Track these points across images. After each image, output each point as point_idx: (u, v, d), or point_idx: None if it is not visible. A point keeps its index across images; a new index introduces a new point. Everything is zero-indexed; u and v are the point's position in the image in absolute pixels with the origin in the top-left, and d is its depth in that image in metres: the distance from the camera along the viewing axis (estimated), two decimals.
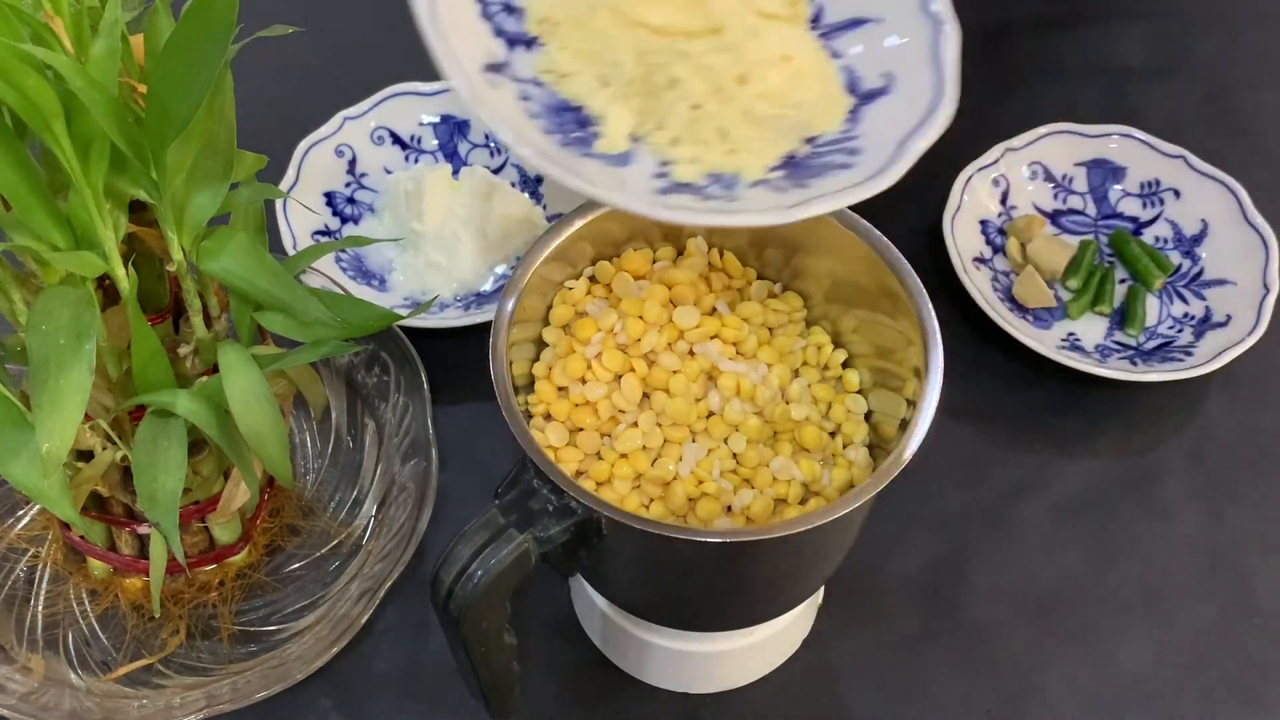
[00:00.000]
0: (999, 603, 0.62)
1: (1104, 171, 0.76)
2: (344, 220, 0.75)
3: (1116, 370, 0.67)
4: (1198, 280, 0.73)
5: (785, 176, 0.44)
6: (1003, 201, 0.75)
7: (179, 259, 0.51)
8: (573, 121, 0.44)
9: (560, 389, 0.51)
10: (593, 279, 0.54)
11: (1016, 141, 0.76)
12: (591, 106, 0.44)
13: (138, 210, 0.51)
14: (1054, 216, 0.76)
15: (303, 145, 0.75)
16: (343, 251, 0.72)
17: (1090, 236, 0.75)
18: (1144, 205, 0.76)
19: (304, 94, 0.81)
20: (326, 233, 0.74)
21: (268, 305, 0.53)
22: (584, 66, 0.44)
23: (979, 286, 0.70)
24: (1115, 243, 0.75)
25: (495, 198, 0.72)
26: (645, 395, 0.51)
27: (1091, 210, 0.76)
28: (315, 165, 0.75)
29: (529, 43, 0.45)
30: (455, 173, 0.76)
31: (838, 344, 0.54)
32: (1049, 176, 0.76)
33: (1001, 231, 0.75)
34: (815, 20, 0.47)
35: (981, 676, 0.60)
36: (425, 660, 0.59)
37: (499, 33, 0.44)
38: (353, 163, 0.76)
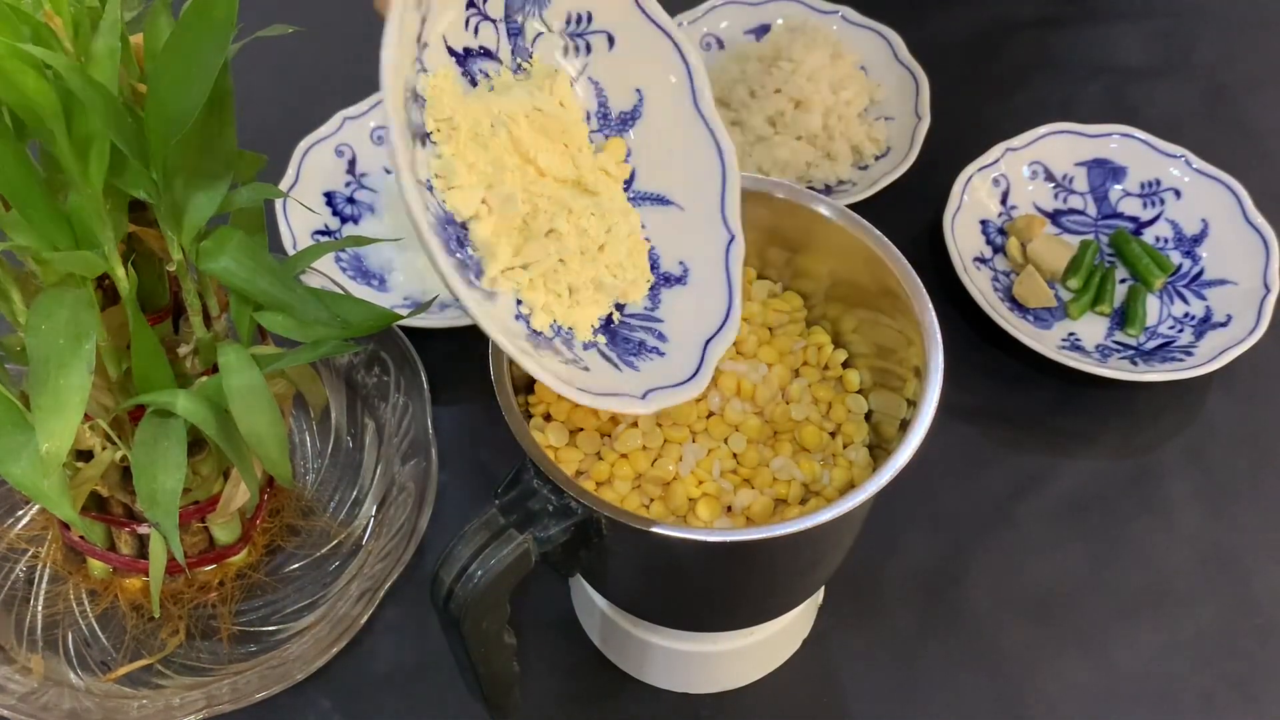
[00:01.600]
0: (999, 603, 0.62)
1: (1104, 171, 0.76)
2: (344, 220, 0.75)
3: (1117, 370, 0.67)
4: (1198, 280, 0.73)
5: (608, 344, 0.47)
6: (1003, 201, 0.75)
7: (179, 259, 0.51)
8: (455, 239, 0.44)
9: None
10: None
11: (1016, 141, 0.76)
12: (474, 231, 0.45)
13: (138, 210, 0.51)
14: (1054, 216, 0.76)
15: (303, 145, 0.75)
16: (343, 251, 0.72)
17: (1091, 236, 0.75)
18: (1144, 205, 0.76)
19: (304, 94, 0.81)
20: (326, 233, 0.74)
21: (268, 305, 0.53)
22: (475, 182, 0.45)
23: (979, 286, 0.70)
24: (1116, 243, 0.75)
25: None
26: None
27: (1092, 210, 0.76)
28: (315, 165, 0.75)
29: (424, 138, 0.45)
30: None
31: (838, 344, 0.54)
32: (1049, 176, 0.76)
33: (1002, 231, 0.75)
34: (628, 183, 0.49)
35: (981, 676, 0.60)
36: (425, 660, 0.59)
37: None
38: (353, 163, 0.76)
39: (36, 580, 0.61)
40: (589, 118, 0.49)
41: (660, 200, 0.49)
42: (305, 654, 0.57)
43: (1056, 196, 0.76)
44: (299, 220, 0.72)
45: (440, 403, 0.66)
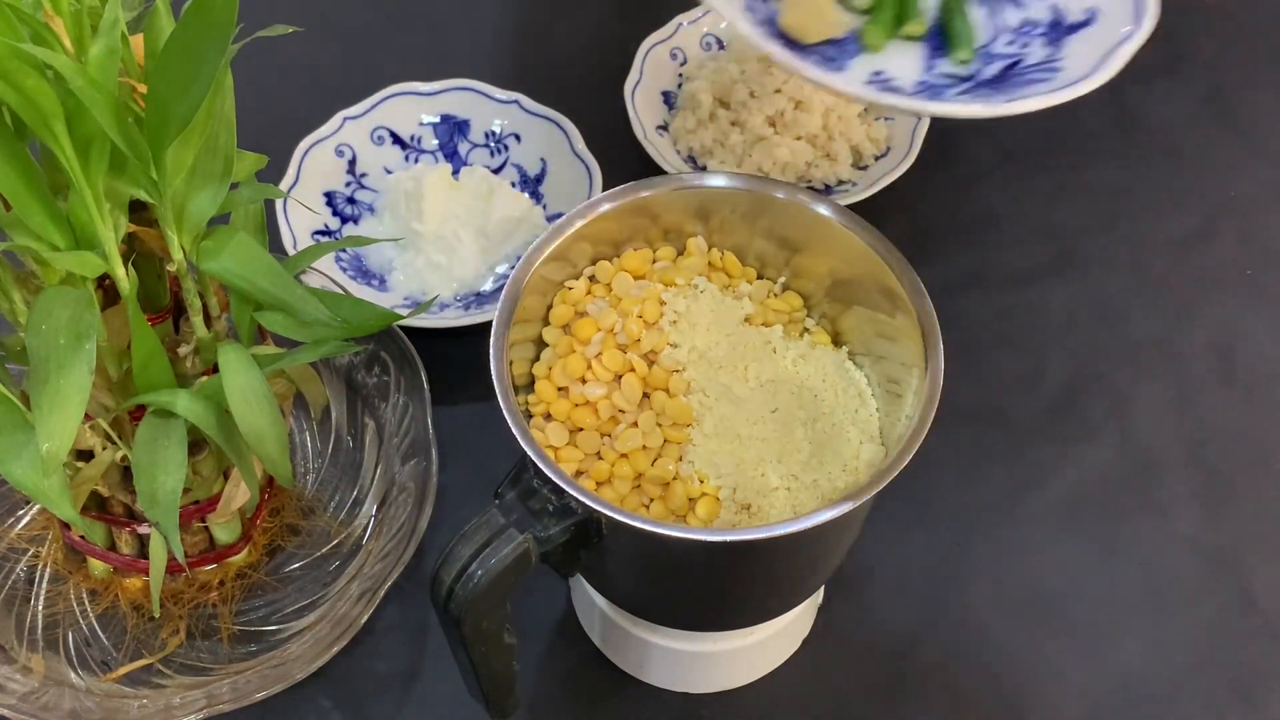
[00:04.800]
0: (999, 602, 0.62)
1: None
2: (344, 220, 0.75)
3: (962, 105, 0.50)
4: None
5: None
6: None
7: (179, 259, 0.51)
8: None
9: (560, 389, 0.51)
10: (593, 279, 0.54)
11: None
12: None
13: (138, 210, 0.51)
14: None
15: (303, 145, 0.75)
16: (343, 251, 0.72)
17: None
18: None
19: (304, 94, 0.81)
20: (326, 233, 0.74)
21: (268, 305, 0.53)
22: None
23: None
24: None
25: (495, 198, 0.72)
26: (645, 395, 0.51)
27: None
28: (315, 165, 0.75)
29: None
30: (455, 173, 0.76)
31: (838, 344, 0.54)
32: None
33: None
34: None
35: (981, 677, 0.60)
36: (425, 660, 0.59)
37: None
38: (353, 163, 0.76)
39: (37, 580, 0.61)
40: None
41: None
42: (305, 654, 0.57)
43: None
44: (299, 220, 0.72)
45: (440, 403, 0.66)
